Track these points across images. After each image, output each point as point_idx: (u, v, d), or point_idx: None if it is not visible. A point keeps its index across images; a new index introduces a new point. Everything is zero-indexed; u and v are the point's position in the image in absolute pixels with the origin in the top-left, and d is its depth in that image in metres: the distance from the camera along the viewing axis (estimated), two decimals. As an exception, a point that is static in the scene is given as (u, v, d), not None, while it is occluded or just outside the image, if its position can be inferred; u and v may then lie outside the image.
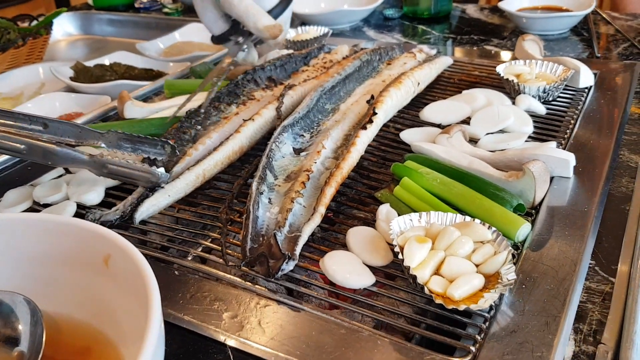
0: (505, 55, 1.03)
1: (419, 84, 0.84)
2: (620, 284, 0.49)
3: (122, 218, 0.61)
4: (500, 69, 0.85)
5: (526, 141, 0.71)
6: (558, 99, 0.83)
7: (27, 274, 0.47)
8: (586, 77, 0.86)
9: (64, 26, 1.48)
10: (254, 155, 0.72)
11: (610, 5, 1.67)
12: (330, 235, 0.59)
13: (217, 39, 0.92)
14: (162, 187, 0.62)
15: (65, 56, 1.38)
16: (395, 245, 0.50)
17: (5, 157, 0.77)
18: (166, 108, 0.85)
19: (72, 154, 0.60)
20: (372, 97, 0.77)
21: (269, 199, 0.60)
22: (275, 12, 0.87)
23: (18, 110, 0.62)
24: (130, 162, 0.61)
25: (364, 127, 0.69)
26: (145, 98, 0.96)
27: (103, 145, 0.64)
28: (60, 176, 0.71)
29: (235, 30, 0.89)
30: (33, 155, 0.59)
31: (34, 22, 1.29)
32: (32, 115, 0.62)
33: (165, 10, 1.52)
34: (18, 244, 0.46)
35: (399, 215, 0.56)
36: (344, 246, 0.55)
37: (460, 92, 0.84)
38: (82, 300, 0.46)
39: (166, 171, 0.64)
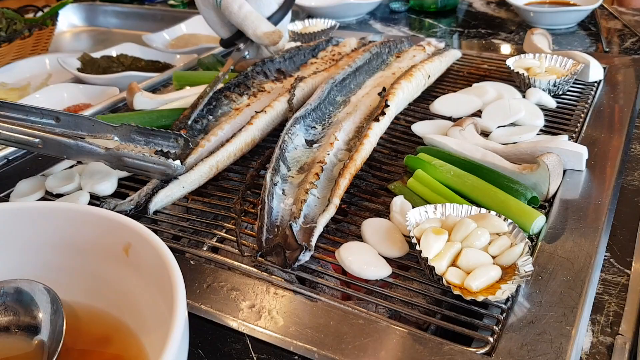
0: (514, 49, 1.03)
1: (429, 76, 0.84)
2: (637, 276, 0.50)
3: (136, 208, 0.61)
4: (510, 62, 0.85)
5: (537, 134, 0.71)
6: (568, 93, 0.83)
7: (47, 263, 0.47)
8: (596, 71, 0.86)
9: (69, 17, 1.48)
10: (264, 146, 0.73)
11: (617, 1, 1.67)
12: (344, 227, 0.59)
13: (225, 43, 0.93)
14: (177, 179, 0.63)
15: (71, 47, 1.38)
16: (412, 237, 0.50)
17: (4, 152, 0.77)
18: (175, 99, 0.85)
19: (88, 147, 0.59)
20: (384, 89, 0.77)
21: (283, 190, 0.60)
22: (274, 19, 0.88)
23: (30, 104, 0.62)
24: (146, 155, 0.61)
25: (376, 119, 0.69)
26: (153, 89, 0.96)
27: (116, 138, 0.64)
28: (72, 167, 0.71)
29: (240, 35, 0.89)
30: (49, 149, 0.58)
31: (40, 13, 1.29)
32: (44, 109, 0.62)
33: (171, 2, 1.52)
34: (38, 232, 0.46)
35: (413, 207, 0.56)
36: (358, 237, 0.56)
37: (470, 85, 0.84)
38: (102, 289, 0.46)
39: (180, 163, 0.64)
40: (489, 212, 0.53)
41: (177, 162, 0.63)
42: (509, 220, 0.52)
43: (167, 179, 0.63)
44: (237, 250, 0.55)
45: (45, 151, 0.59)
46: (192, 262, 0.55)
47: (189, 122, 0.72)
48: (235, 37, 0.90)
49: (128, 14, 1.47)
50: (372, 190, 0.65)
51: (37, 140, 0.58)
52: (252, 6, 0.85)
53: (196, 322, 0.48)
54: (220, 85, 0.80)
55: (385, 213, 0.59)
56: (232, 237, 0.57)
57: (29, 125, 0.59)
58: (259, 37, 0.85)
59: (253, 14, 0.84)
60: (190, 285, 0.51)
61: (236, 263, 0.54)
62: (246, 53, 0.90)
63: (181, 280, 0.38)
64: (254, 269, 0.53)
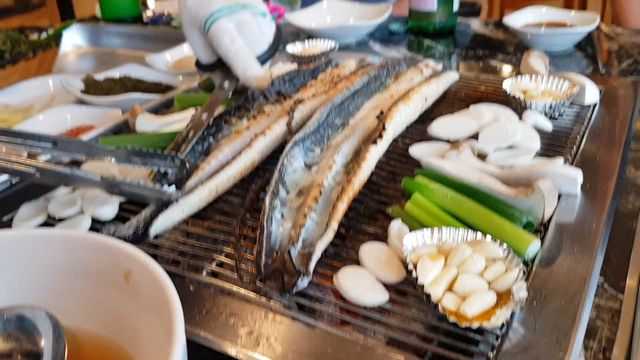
0: (511, 71, 1.05)
1: (426, 99, 0.86)
2: (629, 301, 0.50)
3: (136, 233, 0.62)
4: (506, 85, 0.86)
5: (534, 157, 0.72)
6: (564, 115, 0.84)
7: (48, 289, 0.48)
8: (592, 94, 0.87)
9: (73, 38, 1.50)
10: (264, 169, 0.73)
11: (612, 20, 1.69)
12: (342, 251, 0.60)
13: (203, 67, 0.87)
14: (176, 202, 0.63)
15: (74, 68, 1.40)
16: (409, 263, 0.51)
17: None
18: (177, 121, 0.86)
19: (84, 176, 0.60)
20: (382, 112, 0.78)
21: (282, 213, 0.61)
22: (263, 58, 0.84)
23: (27, 130, 0.63)
24: (141, 181, 0.62)
25: (374, 142, 0.70)
26: (156, 111, 0.97)
27: (114, 160, 0.65)
28: (74, 190, 0.72)
29: (222, 65, 0.84)
30: (45, 178, 0.59)
31: (44, 35, 1.31)
32: (42, 135, 0.63)
33: (174, 24, 1.54)
34: (40, 259, 0.47)
35: (410, 231, 0.57)
36: (356, 262, 0.56)
37: (468, 108, 0.85)
38: (103, 316, 0.47)
39: (178, 186, 0.65)
40: (485, 237, 0.54)
41: (172, 187, 0.63)
42: (505, 246, 0.53)
43: (165, 203, 0.64)
44: (236, 275, 0.56)
45: (42, 180, 0.59)
46: (191, 287, 0.55)
47: (183, 152, 0.72)
48: (217, 66, 0.85)
49: (131, 34, 1.49)
50: (370, 213, 0.65)
51: (32, 170, 0.59)
52: (243, 41, 0.81)
53: (195, 348, 0.49)
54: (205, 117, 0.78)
55: (383, 237, 0.60)
56: (232, 262, 0.58)
57: (28, 152, 0.60)
58: (248, 78, 0.81)
59: (245, 52, 0.81)
60: (189, 311, 0.52)
61: (235, 288, 0.55)
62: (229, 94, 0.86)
63: (180, 308, 0.39)
64: (253, 294, 0.54)
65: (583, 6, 3.32)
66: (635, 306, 0.50)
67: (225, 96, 0.82)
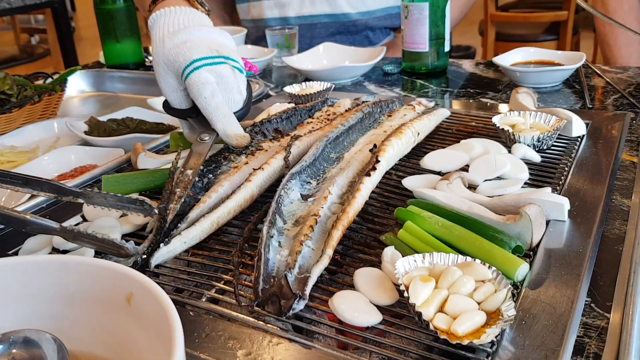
0: (501, 107, 1.08)
1: (418, 134, 0.89)
2: (615, 320, 0.52)
3: (136, 265, 0.64)
4: (496, 119, 0.90)
5: (522, 187, 0.75)
6: (552, 148, 0.87)
7: (51, 314, 0.49)
8: (578, 127, 0.90)
9: (78, 83, 1.54)
10: (262, 202, 0.76)
11: (603, 61, 1.74)
12: (338, 277, 0.62)
13: (172, 111, 0.83)
14: (179, 234, 0.66)
15: (79, 112, 1.44)
16: (401, 285, 0.53)
17: (27, 205, 0.80)
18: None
19: (45, 224, 0.62)
20: (375, 146, 0.81)
21: (279, 242, 0.63)
22: (238, 114, 0.81)
23: (13, 171, 0.66)
24: (100, 235, 0.62)
25: (368, 174, 0.73)
26: (157, 150, 1.00)
27: (81, 201, 0.67)
28: (78, 224, 0.75)
29: (198, 113, 0.80)
30: (9, 223, 0.62)
31: (49, 80, 1.35)
32: (11, 172, 0.65)
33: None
34: (42, 284, 0.49)
35: (403, 257, 0.59)
36: (351, 287, 0.58)
37: (458, 142, 0.89)
38: (105, 339, 0.48)
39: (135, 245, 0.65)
40: (474, 260, 0.56)
41: (131, 243, 0.62)
42: (493, 268, 0.55)
43: (167, 234, 0.66)
44: (235, 301, 0.58)
45: (7, 225, 0.62)
46: (191, 313, 0.57)
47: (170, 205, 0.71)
48: (185, 114, 0.82)
49: (134, 79, 1.53)
50: (365, 241, 0.67)
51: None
52: (222, 95, 0.78)
53: (195, 370, 0.50)
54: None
55: (377, 263, 0.62)
56: (230, 289, 0.60)
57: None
58: (228, 136, 0.77)
59: (224, 108, 0.77)
60: (189, 335, 0.54)
61: (234, 313, 0.56)
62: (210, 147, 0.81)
63: (180, 326, 0.40)
64: (251, 319, 0.55)
65: (576, 50, 3.40)
66: (622, 324, 0.51)
67: (208, 149, 0.78)
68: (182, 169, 0.74)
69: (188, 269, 0.65)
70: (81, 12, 7.56)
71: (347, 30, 1.73)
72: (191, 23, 0.80)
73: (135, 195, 0.67)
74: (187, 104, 0.82)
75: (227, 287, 0.60)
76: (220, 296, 0.59)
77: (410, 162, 0.86)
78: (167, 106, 0.84)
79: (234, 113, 0.79)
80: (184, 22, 0.80)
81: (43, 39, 4.99)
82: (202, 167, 0.79)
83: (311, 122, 0.97)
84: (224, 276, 0.62)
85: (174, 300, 0.59)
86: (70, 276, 0.49)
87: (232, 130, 0.77)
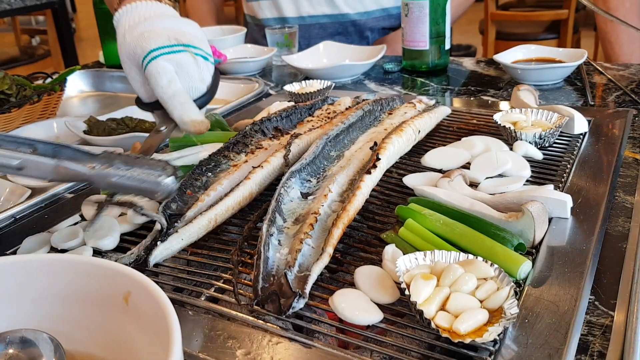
0: (502, 104, 1.08)
1: (419, 131, 0.88)
2: (620, 317, 0.51)
3: (137, 261, 0.63)
4: (497, 117, 0.89)
5: (524, 185, 0.74)
6: (554, 145, 0.86)
7: (48, 313, 0.49)
8: (580, 124, 0.89)
9: (77, 83, 1.54)
10: (262, 200, 0.75)
11: (605, 59, 1.73)
12: (338, 275, 0.61)
13: (143, 105, 0.83)
14: (176, 232, 0.65)
15: (78, 111, 1.43)
16: (402, 283, 0.52)
17: (23, 205, 0.80)
18: (176, 158, 0.88)
19: (72, 168, 0.58)
20: (375, 143, 0.80)
21: (279, 240, 0.63)
22: (200, 101, 0.79)
23: (3, 134, 0.59)
24: (135, 174, 0.59)
25: (369, 172, 0.72)
26: (156, 150, 0.99)
27: (97, 166, 0.61)
28: (76, 223, 0.74)
29: (160, 107, 0.78)
30: (28, 171, 0.56)
31: (48, 80, 1.35)
32: (19, 138, 0.59)
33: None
34: (39, 283, 0.49)
35: (404, 254, 0.58)
36: (352, 285, 0.58)
37: (460, 139, 0.88)
38: (103, 338, 0.48)
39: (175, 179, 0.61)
40: (476, 258, 0.55)
41: (171, 178, 0.59)
42: (495, 266, 0.54)
43: (165, 232, 0.65)
44: (234, 300, 0.57)
45: (25, 173, 0.56)
46: (190, 312, 0.57)
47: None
48: (155, 107, 0.80)
49: (133, 78, 1.53)
50: (365, 240, 0.67)
51: (15, 162, 0.56)
52: (181, 83, 0.76)
53: (193, 370, 0.50)
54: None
55: (378, 261, 0.61)
56: (230, 287, 0.59)
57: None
58: (185, 122, 0.75)
59: (182, 95, 0.75)
60: (188, 334, 0.53)
61: (233, 312, 0.56)
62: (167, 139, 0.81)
63: (177, 325, 0.40)
64: (250, 318, 0.55)
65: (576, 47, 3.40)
66: (626, 322, 0.50)
67: (162, 140, 0.77)
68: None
69: (187, 268, 0.64)
70: (82, 12, 7.56)
71: (345, 31, 1.73)
72: (152, 14, 0.79)
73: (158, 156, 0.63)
74: (155, 97, 0.80)
75: (227, 286, 0.60)
76: (220, 295, 0.59)
77: (411, 160, 0.85)
78: (138, 101, 0.83)
79: (195, 100, 0.78)
80: (144, 14, 0.79)
81: (44, 40, 4.99)
82: (201, 166, 0.78)
83: (311, 120, 0.96)
84: (224, 275, 0.61)
85: (172, 300, 0.58)
86: (68, 275, 0.48)
87: (189, 117, 0.75)
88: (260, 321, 0.54)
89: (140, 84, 0.79)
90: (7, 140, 0.58)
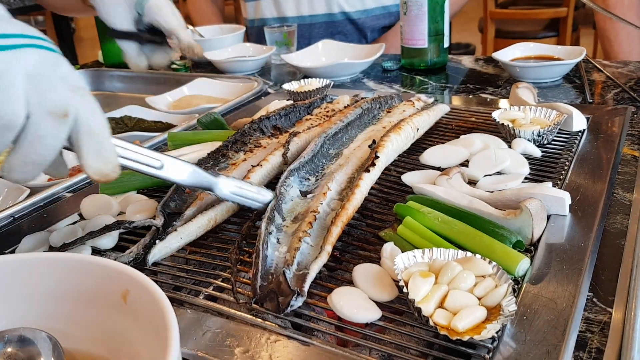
0: (501, 102, 1.07)
1: (418, 129, 0.88)
2: (618, 314, 0.51)
3: (135, 260, 0.63)
4: (495, 114, 0.89)
5: (523, 182, 0.74)
6: (553, 142, 0.86)
7: (46, 312, 0.49)
8: (579, 121, 0.89)
9: (76, 83, 1.54)
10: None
11: (604, 56, 1.74)
12: (337, 274, 0.61)
13: (116, 34, 0.92)
14: (175, 230, 0.65)
15: (77, 111, 1.43)
16: (400, 280, 0.52)
17: (22, 204, 0.80)
18: (175, 157, 0.88)
19: (205, 173, 0.65)
20: (374, 141, 0.80)
21: (277, 239, 0.63)
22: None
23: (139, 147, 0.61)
24: (247, 186, 0.68)
25: (367, 170, 0.72)
26: (156, 148, 1.00)
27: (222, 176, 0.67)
28: (75, 222, 0.74)
29: (137, 37, 0.92)
30: (167, 172, 0.61)
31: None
32: (151, 153, 0.61)
33: (174, 66, 1.59)
34: (38, 282, 0.49)
35: (402, 252, 0.58)
36: (351, 283, 0.57)
37: (458, 137, 0.88)
38: (101, 336, 0.48)
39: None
40: (474, 255, 0.55)
41: (271, 193, 0.69)
42: (493, 263, 0.54)
43: (163, 231, 0.65)
44: (232, 298, 0.57)
45: (163, 173, 0.61)
46: (189, 311, 0.57)
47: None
48: (131, 37, 0.92)
49: (133, 78, 1.53)
50: (364, 238, 0.67)
51: (158, 163, 0.61)
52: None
53: (192, 368, 0.50)
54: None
55: (376, 259, 0.61)
56: (228, 286, 0.59)
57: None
58: (190, 45, 0.93)
59: (183, 22, 0.93)
60: (187, 333, 0.53)
61: (232, 311, 0.56)
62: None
63: (175, 322, 0.40)
64: (249, 316, 0.55)
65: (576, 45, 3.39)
66: (624, 318, 0.50)
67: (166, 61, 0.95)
68: None
69: (186, 267, 0.64)
70: (81, 12, 7.54)
71: (345, 30, 1.73)
72: None
73: None
74: (131, 26, 0.92)
75: (225, 285, 0.60)
76: (219, 294, 0.59)
77: (410, 158, 0.85)
78: (113, 33, 0.92)
79: None
80: None
81: (43, 40, 4.98)
82: (200, 164, 0.78)
83: (310, 118, 0.96)
84: (222, 274, 0.61)
85: (171, 298, 0.58)
86: (66, 274, 0.48)
87: (191, 39, 0.93)
88: (259, 319, 0.54)
89: (125, 13, 0.90)
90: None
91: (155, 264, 0.64)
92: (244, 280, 0.60)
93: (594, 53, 3.58)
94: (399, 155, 0.85)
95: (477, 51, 4.13)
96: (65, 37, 3.00)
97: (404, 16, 1.34)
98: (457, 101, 1.12)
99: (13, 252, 0.69)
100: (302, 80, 1.19)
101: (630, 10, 1.67)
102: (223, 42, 1.61)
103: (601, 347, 0.48)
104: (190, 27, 1.68)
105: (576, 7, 3.29)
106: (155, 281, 0.62)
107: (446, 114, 1.00)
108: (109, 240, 0.68)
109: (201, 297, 0.59)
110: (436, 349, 0.50)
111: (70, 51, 2.99)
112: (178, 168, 0.63)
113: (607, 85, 1.16)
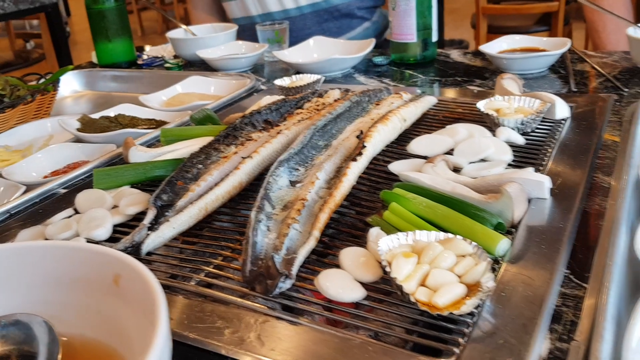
0: (487, 93, 1.09)
1: (405, 120, 0.90)
2: (593, 289, 0.53)
3: (129, 249, 0.65)
4: (480, 104, 0.91)
5: (506, 168, 0.76)
6: (536, 131, 0.88)
7: (41, 298, 0.51)
8: (562, 109, 0.91)
9: (70, 83, 1.56)
10: (252, 190, 0.77)
11: (593, 48, 1.75)
12: (325, 258, 0.63)
13: None
14: (168, 220, 0.67)
15: (72, 111, 1.45)
16: (384, 261, 0.54)
17: (18, 201, 0.82)
18: (169, 152, 0.90)
19: None
20: (362, 132, 0.82)
21: (267, 226, 0.65)
22: None
23: None
24: None
25: (354, 159, 0.74)
26: (149, 144, 1.01)
27: None
28: (70, 216, 0.76)
29: None
30: None
31: (42, 80, 1.37)
32: None
33: (167, 65, 1.60)
34: (32, 270, 0.50)
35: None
36: (338, 267, 0.59)
37: (444, 127, 0.90)
38: (95, 320, 0.50)
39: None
40: (455, 236, 0.57)
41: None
42: (474, 243, 0.56)
43: (156, 221, 0.67)
44: (224, 284, 0.59)
45: None
46: (182, 297, 0.58)
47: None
48: None
49: (126, 77, 1.55)
50: (352, 224, 0.69)
51: None
52: None
53: (183, 349, 0.52)
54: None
55: (364, 244, 0.63)
56: (219, 272, 0.61)
57: None
58: None
59: None
60: (179, 317, 0.55)
61: (222, 295, 0.58)
62: None
63: (164, 300, 0.42)
64: (239, 299, 0.57)
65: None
66: (599, 292, 0.52)
67: None
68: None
69: (179, 255, 0.66)
70: (76, 16, 7.56)
71: (332, 17, 1.74)
72: None
73: None
74: None
75: (215, 271, 0.62)
76: (209, 279, 0.61)
77: (398, 148, 0.87)
78: None
79: None
80: None
81: (38, 44, 5.00)
82: (192, 158, 0.80)
83: (301, 112, 0.98)
84: (213, 261, 0.63)
85: (164, 285, 0.60)
86: (60, 261, 0.50)
87: None
88: (249, 302, 0.56)
89: None
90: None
91: (149, 253, 0.66)
92: (234, 265, 0.62)
93: (585, 46, 3.59)
94: (387, 146, 0.87)
95: (470, 47, 4.15)
96: (60, 41, 3.01)
97: (393, 11, 1.36)
98: (444, 93, 1.14)
99: (10, 245, 0.71)
100: (293, 76, 1.20)
101: (617, 2, 1.68)
102: (216, 41, 1.63)
103: (575, 319, 0.50)
104: (183, 26, 1.70)
105: (567, 2, 3.31)
106: (150, 269, 0.65)
107: (434, 106, 1.02)
108: (102, 232, 0.69)
109: (192, 283, 0.60)
110: (420, 326, 0.52)
111: (65, 54, 3.00)
112: None
113: (592, 75, 1.18)
